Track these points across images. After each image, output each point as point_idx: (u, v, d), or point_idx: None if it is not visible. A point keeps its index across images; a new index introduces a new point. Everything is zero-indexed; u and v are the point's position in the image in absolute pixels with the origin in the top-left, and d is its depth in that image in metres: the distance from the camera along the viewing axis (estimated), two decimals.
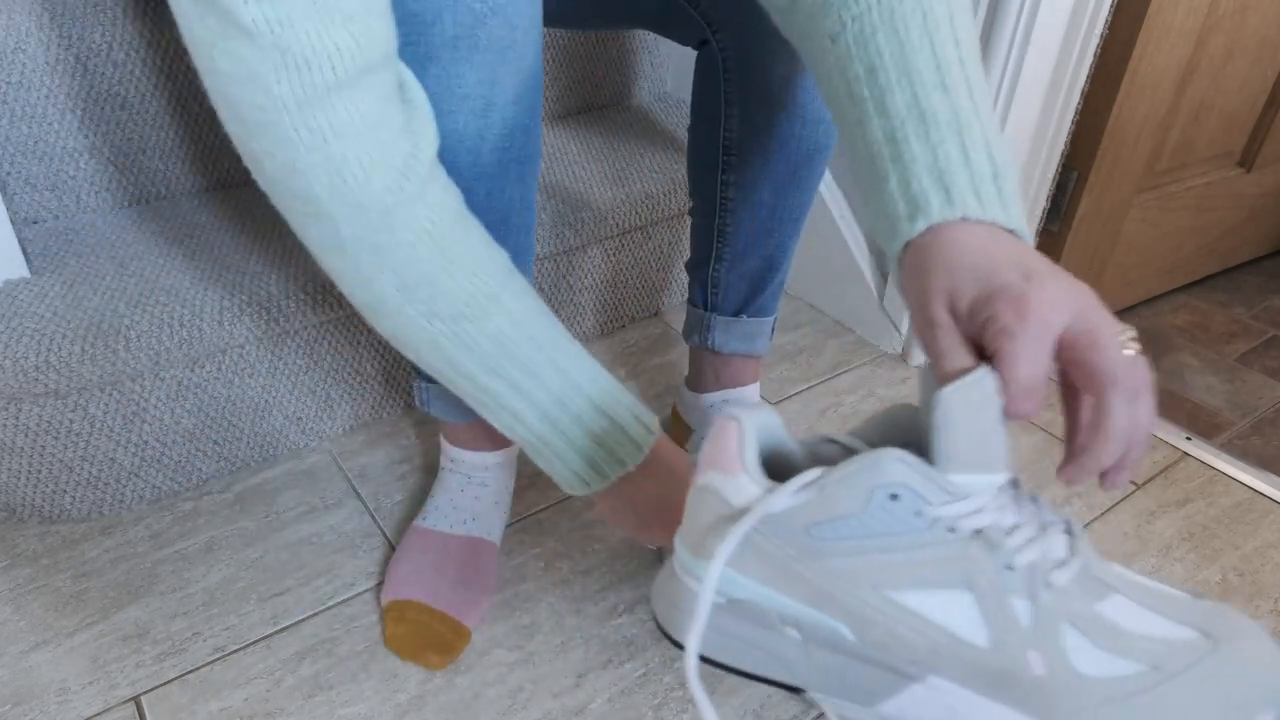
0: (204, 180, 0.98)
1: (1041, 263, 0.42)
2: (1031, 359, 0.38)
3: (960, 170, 0.43)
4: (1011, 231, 0.43)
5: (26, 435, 0.78)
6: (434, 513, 0.80)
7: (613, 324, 1.15)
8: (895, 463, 0.39)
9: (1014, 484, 0.41)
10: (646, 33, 1.13)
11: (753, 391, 0.90)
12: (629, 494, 0.61)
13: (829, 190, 1.17)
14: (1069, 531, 0.43)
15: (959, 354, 0.40)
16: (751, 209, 0.79)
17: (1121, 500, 0.94)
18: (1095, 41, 0.96)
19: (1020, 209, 0.44)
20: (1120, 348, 0.39)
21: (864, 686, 0.43)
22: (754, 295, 0.85)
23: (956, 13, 0.48)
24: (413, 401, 1.00)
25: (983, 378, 0.38)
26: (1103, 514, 0.92)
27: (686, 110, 1.12)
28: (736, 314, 0.86)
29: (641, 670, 0.73)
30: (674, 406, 0.98)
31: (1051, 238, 1.13)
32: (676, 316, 1.19)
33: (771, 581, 0.43)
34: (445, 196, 0.52)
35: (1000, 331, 0.39)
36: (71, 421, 0.79)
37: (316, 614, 0.77)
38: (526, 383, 0.56)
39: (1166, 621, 0.42)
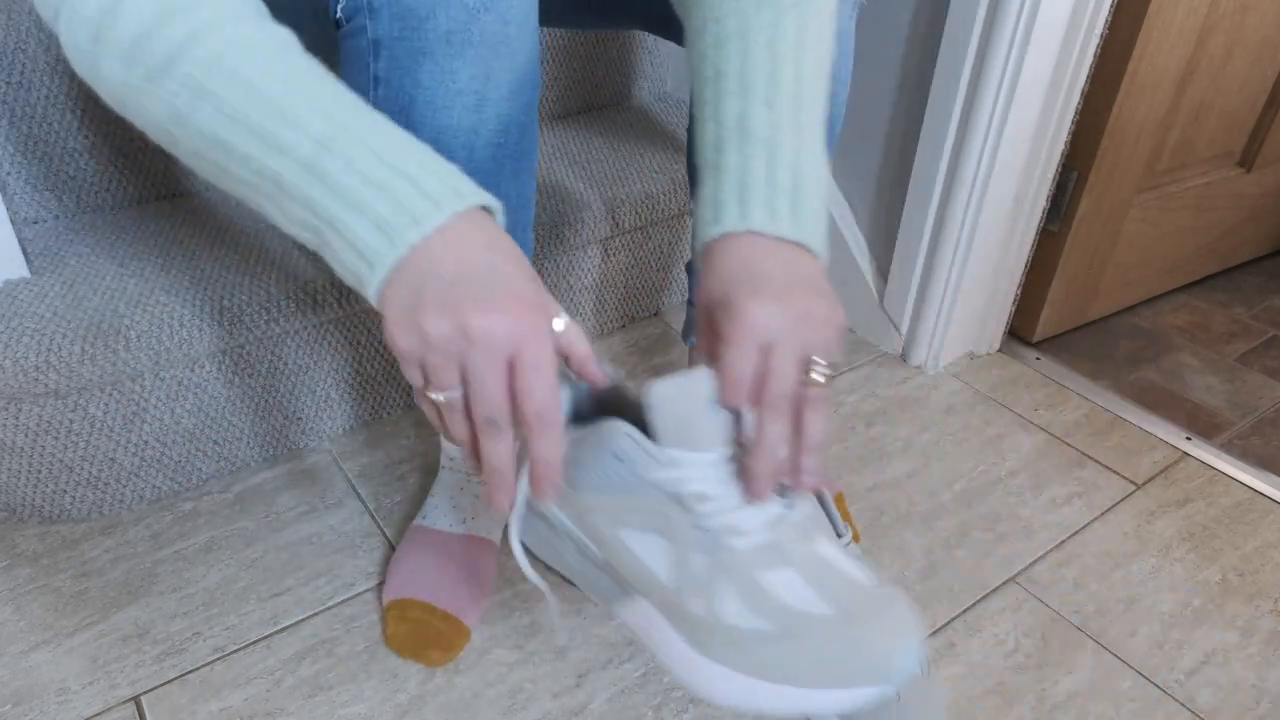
0: (204, 180, 0.98)
1: (788, 278, 0.47)
2: (735, 364, 0.45)
3: (761, 185, 0.49)
4: (802, 243, 0.49)
5: (26, 435, 0.78)
6: (433, 511, 0.80)
7: (613, 324, 1.15)
8: (621, 435, 0.48)
9: (730, 460, 0.47)
10: (646, 33, 1.13)
11: None
12: (415, 269, 0.43)
13: (829, 190, 1.17)
14: (790, 510, 0.49)
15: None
16: None
17: (1121, 500, 0.94)
18: (1095, 41, 0.96)
19: (816, 223, 0.50)
20: (790, 375, 0.45)
21: (606, 591, 0.54)
22: None
23: (808, 36, 0.51)
24: (413, 401, 1.00)
25: (690, 377, 0.46)
26: (1103, 514, 0.92)
27: (686, 110, 1.12)
28: None
29: (641, 670, 0.73)
30: None
31: (1051, 238, 1.13)
32: (676, 316, 1.19)
33: (557, 502, 0.53)
34: None
35: (718, 337, 0.47)
36: (71, 421, 0.79)
37: (316, 614, 0.77)
38: (283, 133, 0.43)
39: (817, 599, 0.47)
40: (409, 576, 0.76)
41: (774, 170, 0.49)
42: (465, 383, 0.43)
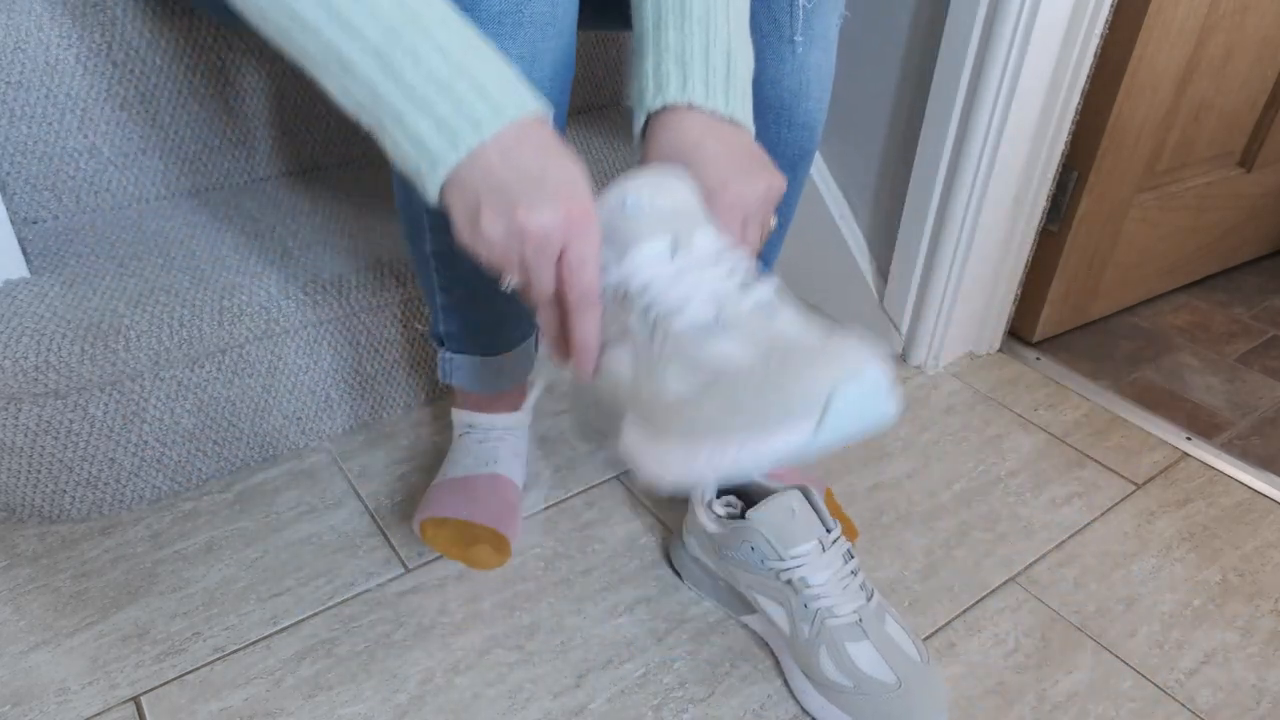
0: (204, 180, 0.98)
1: (733, 155, 0.53)
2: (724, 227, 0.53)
3: (699, 62, 0.53)
4: (732, 119, 0.54)
5: (26, 435, 0.78)
6: (453, 466, 0.82)
7: None
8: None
9: (674, 246, 0.49)
10: None
11: None
12: (476, 172, 0.46)
13: (829, 190, 1.17)
14: (728, 291, 0.48)
15: None
16: None
17: (1122, 500, 0.94)
18: (1095, 41, 0.96)
19: (745, 101, 0.56)
20: (758, 237, 0.55)
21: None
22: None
23: None
24: (413, 402, 1.00)
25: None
26: (1103, 514, 0.92)
27: None
28: None
29: (641, 670, 0.73)
30: None
31: (1051, 238, 1.13)
32: None
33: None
34: None
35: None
36: (71, 421, 0.79)
37: (316, 614, 0.77)
38: (356, 14, 0.45)
39: (747, 351, 0.46)
40: (439, 505, 0.78)
41: (709, 49, 0.54)
42: (524, 275, 0.48)
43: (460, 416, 0.84)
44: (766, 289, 0.49)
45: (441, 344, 0.78)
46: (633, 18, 0.57)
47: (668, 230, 0.48)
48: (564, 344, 0.52)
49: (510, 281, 0.49)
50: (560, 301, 0.50)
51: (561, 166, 0.47)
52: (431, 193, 0.47)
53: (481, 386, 0.79)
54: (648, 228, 0.48)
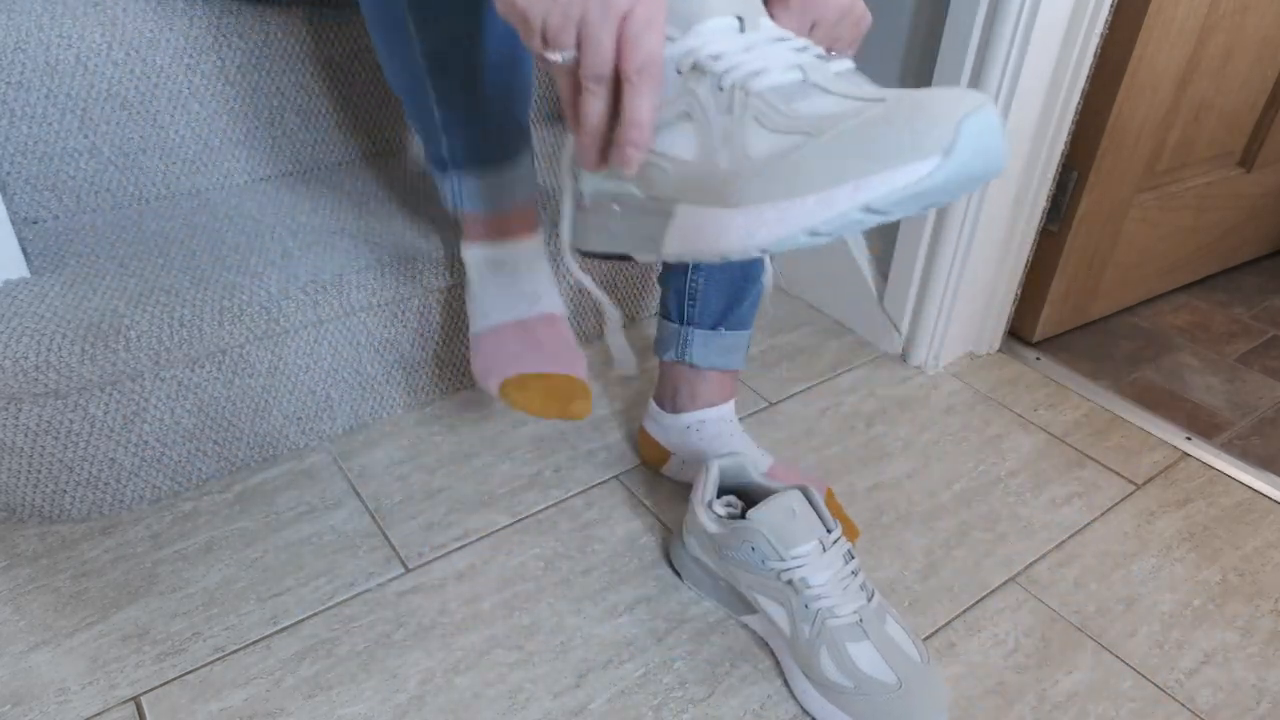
0: (204, 180, 0.98)
1: None
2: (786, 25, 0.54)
3: None
4: None
5: (26, 435, 0.78)
6: (494, 312, 0.80)
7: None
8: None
9: (741, 24, 0.48)
10: None
11: (728, 410, 0.89)
12: None
13: None
14: (807, 61, 0.47)
15: None
16: None
17: (1122, 500, 0.94)
18: (1095, 41, 0.96)
19: None
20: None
21: (649, 233, 0.51)
22: (732, 307, 0.85)
23: None
24: (413, 402, 1.00)
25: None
26: (1103, 514, 0.92)
27: None
28: (715, 327, 0.85)
29: (641, 670, 0.73)
30: (642, 428, 0.94)
31: (1051, 238, 1.13)
32: None
33: (603, 175, 0.53)
34: None
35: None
36: (71, 421, 0.79)
37: (316, 614, 0.77)
38: None
39: (847, 101, 0.43)
40: (507, 361, 0.76)
41: None
42: (580, 42, 0.44)
43: (477, 252, 0.80)
44: (847, 63, 0.47)
45: (445, 169, 0.75)
46: None
47: (733, 9, 0.47)
48: (605, 137, 0.47)
49: (564, 53, 0.45)
50: (615, 77, 0.45)
51: None
52: None
53: (495, 205, 0.76)
54: (714, 4, 0.47)
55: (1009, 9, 0.89)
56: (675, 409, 0.89)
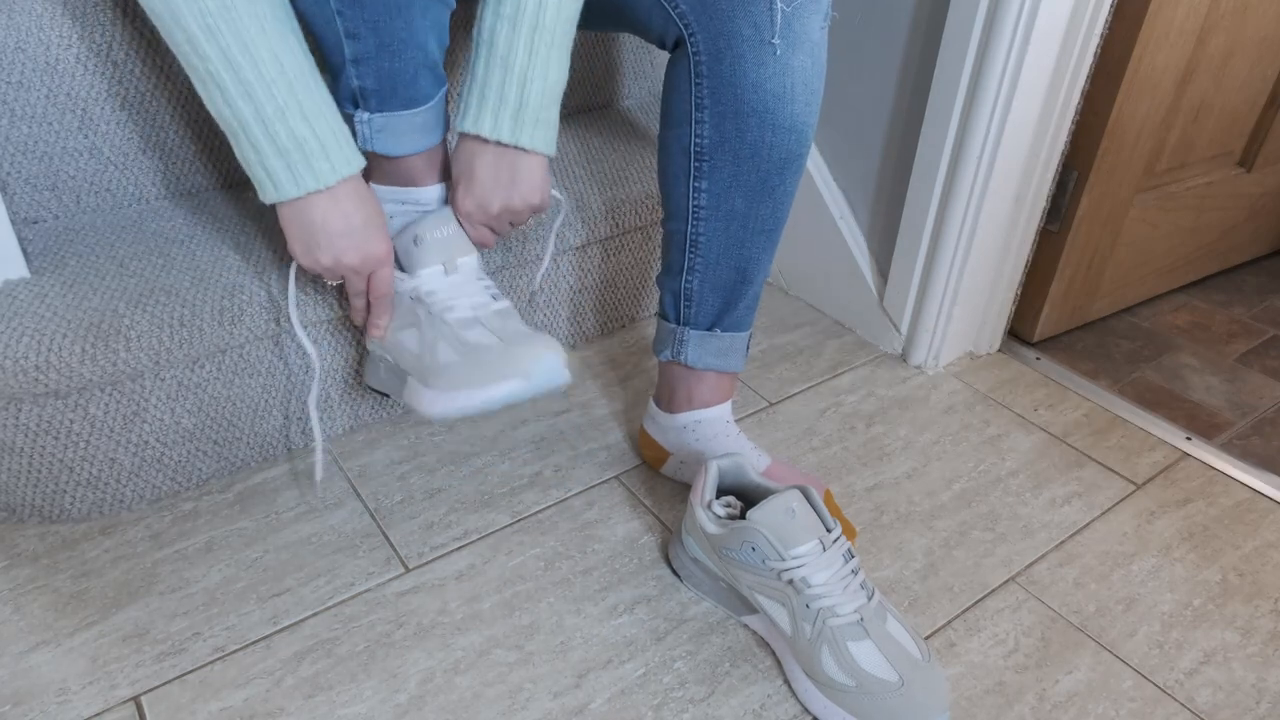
0: (204, 180, 0.98)
1: (494, 179, 0.73)
2: (470, 230, 0.77)
3: (493, 96, 0.70)
4: (516, 144, 0.72)
5: (26, 435, 0.78)
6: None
7: (614, 323, 1.15)
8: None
9: (445, 269, 0.75)
10: None
11: (724, 411, 0.88)
12: (314, 213, 0.67)
13: (829, 190, 1.17)
14: (480, 301, 0.75)
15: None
16: (724, 218, 0.79)
17: (1122, 500, 0.94)
18: (1095, 41, 0.96)
19: (531, 130, 0.72)
20: (502, 231, 0.79)
21: (396, 386, 0.81)
22: (728, 308, 0.84)
23: None
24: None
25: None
26: (1103, 514, 0.92)
27: None
28: (710, 328, 0.85)
29: (641, 670, 0.73)
30: (641, 427, 0.94)
31: (1051, 237, 1.13)
32: None
33: (375, 343, 0.81)
34: None
35: (456, 207, 0.77)
36: (71, 421, 0.79)
37: (316, 614, 0.77)
38: (239, 56, 0.60)
39: (492, 336, 0.72)
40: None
41: (505, 84, 0.70)
42: (346, 282, 0.74)
43: (389, 195, 0.78)
44: (505, 303, 0.75)
45: (356, 105, 0.71)
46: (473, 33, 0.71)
47: (441, 259, 0.75)
48: (367, 322, 0.77)
49: (332, 284, 0.78)
50: (367, 298, 0.75)
51: (372, 215, 0.70)
52: (265, 201, 0.67)
53: (408, 145, 0.73)
54: (430, 257, 0.75)
55: (1009, 9, 0.89)
56: (672, 409, 0.89)
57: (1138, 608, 0.82)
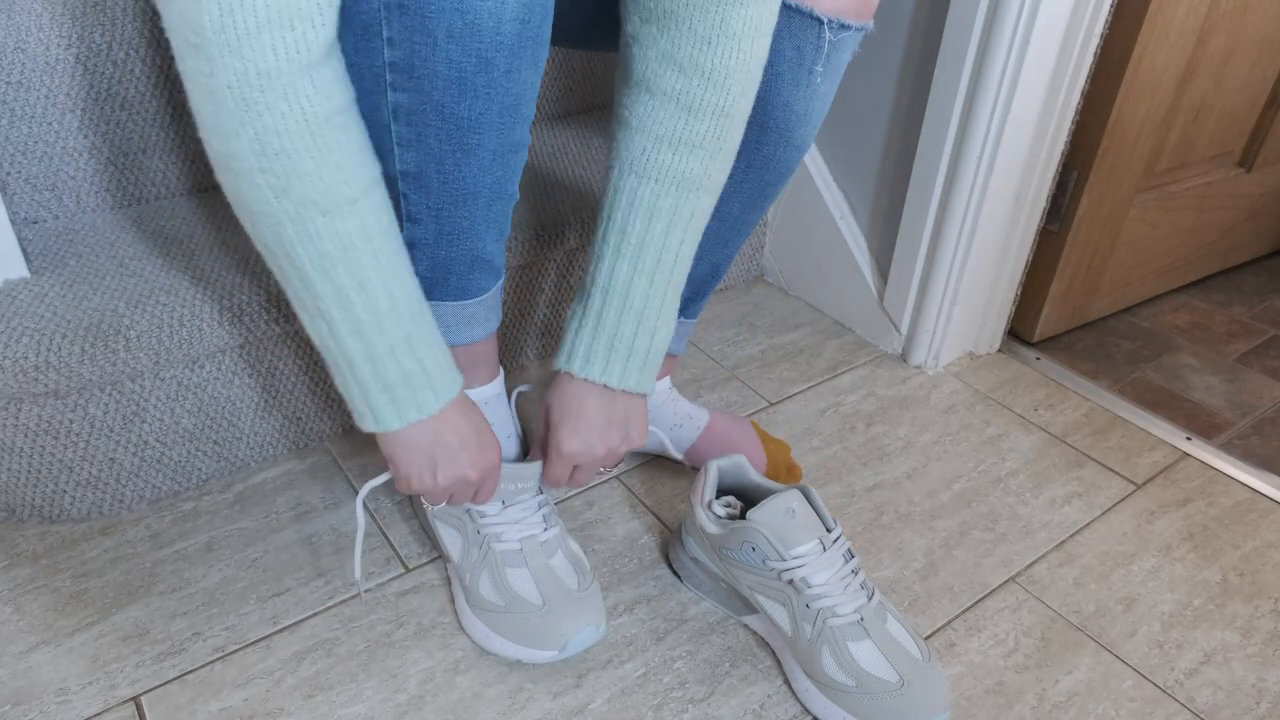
0: (204, 180, 0.98)
1: (605, 419, 0.70)
2: (553, 471, 0.72)
3: (623, 348, 0.68)
4: (636, 391, 0.69)
5: (26, 435, 0.78)
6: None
7: None
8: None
9: (519, 503, 0.75)
10: None
11: (667, 382, 0.91)
12: (423, 437, 0.63)
13: (829, 190, 1.17)
14: (532, 549, 0.75)
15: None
16: (720, 218, 0.80)
17: (1122, 500, 0.94)
18: (1095, 41, 0.96)
19: (650, 378, 0.70)
20: (586, 479, 0.74)
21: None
22: (696, 299, 0.86)
23: (697, 213, 0.66)
24: None
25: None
26: (1103, 514, 0.92)
27: None
28: (677, 315, 0.86)
29: (641, 670, 0.73)
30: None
31: (1051, 238, 1.13)
32: None
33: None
34: (335, 87, 0.52)
35: (548, 443, 0.72)
36: (71, 421, 0.79)
37: (316, 614, 0.77)
38: (353, 294, 0.57)
39: (530, 587, 0.74)
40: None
41: (636, 337, 0.68)
42: (450, 499, 0.69)
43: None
44: (554, 530, 0.75)
45: None
46: (589, 271, 0.68)
47: (502, 498, 0.73)
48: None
49: (439, 505, 0.72)
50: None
51: (482, 431, 0.66)
52: (366, 429, 0.63)
53: (452, 337, 0.71)
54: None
55: (1009, 9, 0.89)
56: None
57: (1138, 608, 0.82)
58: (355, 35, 0.54)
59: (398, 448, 0.63)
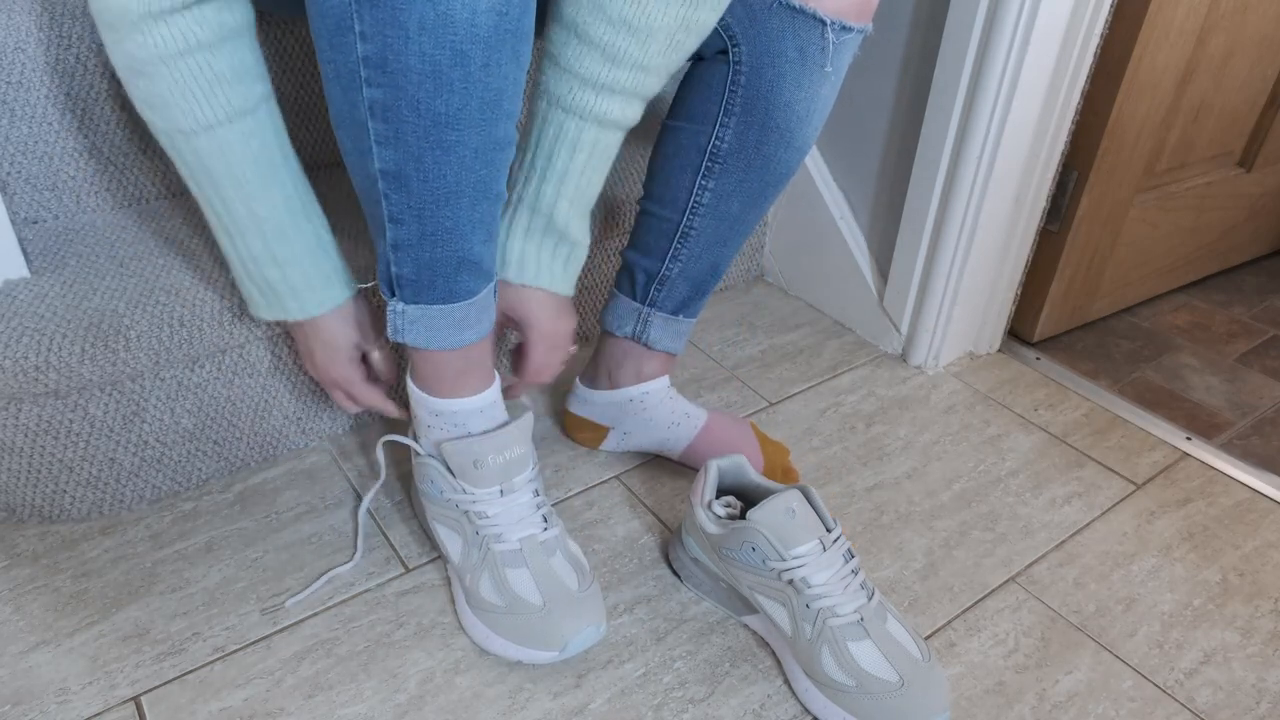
0: None
1: (554, 315, 0.79)
2: (531, 364, 0.81)
3: (548, 258, 0.77)
4: (561, 293, 0.78)
5: (26, 435, 0.78)
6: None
7: None
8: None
9: (516, 488, 0.75)
10: None
11: (666, 381, 0.92)
12: (298, 335, 0.77)
13: (829, 191, 1.17)
14: (526, 535, 0.75)
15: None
16: (720, 217, 0.81)
17: (1122, 500, 0.94)
18: (1095, 41, 0.96)
19: (573, 282, 0.79)
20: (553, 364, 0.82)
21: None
22: (695, 298, 0.87)
23: (612, 145, 0.74)
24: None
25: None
26: (1103, 514, 0.92)
27: None
28: (675, 313, 0.88)
29: (641, 670, 0.73)
30: (567, 412, 0.95)
31: (1051, 238, 1.13)
32: None
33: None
34: (194, 28, 0.60)
35: (519, 349, 0.82)
36: (71, 421, 0.79)
37: (316, 614, 0.77)
38: (217, 205, 0.68)
39: (530, 588, 0.73)
40: None
41: (556, 247, 0.76)
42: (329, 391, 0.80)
43: (427, 405, 0.73)
44: (554, 530, 0.76)
45: (392, 293, 0.68)
46: (516, 189, 0.75)
47: (500, 481, 0.73)
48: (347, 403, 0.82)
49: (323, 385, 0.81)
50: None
51: (336, 349, 0.76)
52: (255, 317, 0.76)
53: (442, 340, 0.69)
54: (489, 479, 0.73)
55: (1009, 9, 0.89)
56: (615, 384, 0.91)
57: (1138, 608, 0.82)
58: (329, 30, 0.54)
59: (290, 330, 0.78)
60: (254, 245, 0.70)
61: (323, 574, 0.80)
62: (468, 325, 0.69)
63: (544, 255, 0.76)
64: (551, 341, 0.79)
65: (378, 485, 0.83)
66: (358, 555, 0.81)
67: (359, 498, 0.88)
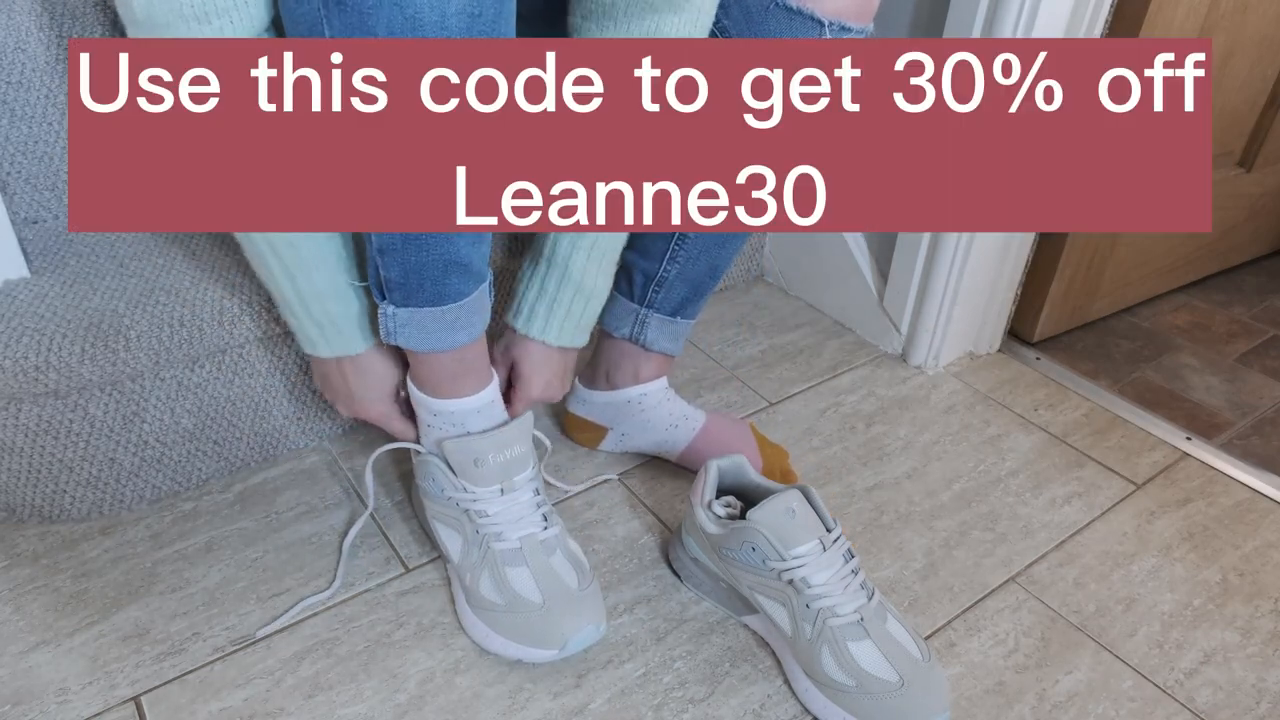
0: None
1: (549, 371, 0.81)
2: (517, 409, 0.81)
3: (561, 311, 0.78)
4: (570, 347, 0.81)
5: (26, 435, 0.78)
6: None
7: None
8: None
9: (501, 490, 0.74)
10: None
11: (664, 382, 0.92)
12: (334, 372, 0.76)
13: None
14: (526, 535, 0.75)
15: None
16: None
17: (1122, 500, 0.94)
18: None
19: (583, 335, 0.81)
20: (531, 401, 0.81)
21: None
22: (693, 299, 0.87)
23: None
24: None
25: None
26: (1103, 514, 0.92)
27: None
28: (673, 315, 0.88)
29: (641, 670, 0.73)
30: (568, 413, 0.96)
31: (1051, 237, 1.13)
32: None
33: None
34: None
35: (511, 388, 0.82)
36: (71, 421, 0.79)
37: (316, 614, 0.77)
38: (283, 247, 0.67)
39: (529, 586, 0.74)
40: None
41: (572, 302, 0.77)
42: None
43: (426, 405, 0.73)
44: (554, 529, 0.76)
45: (382, 296, 0.67)
46: (536, 242, 0.78)
47: (500, 480, 0.74)
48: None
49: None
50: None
51: (366, 389, 0.76)
52: (307, 353, 0.76)
53: (435, 342, 0.69)
54: (490, 477, 0.73)
55: (1008, 10, 0.89)
56: (613, 384, 0.91)
57: (1138, 608, 0.82)
58: (302, 35, 0.54)
59: (313, 366, 0.78)
60: (318, 281, 0.69)
61: (297, 603, 0.79)
62: (460, 326, 0.69)
63: (556, 310, 0.78)
64: (531, 400, 0.80)
65: (365, 515, 0.82)
66: (336, 583, 0.78)
67: (359, 498, 0.88)
